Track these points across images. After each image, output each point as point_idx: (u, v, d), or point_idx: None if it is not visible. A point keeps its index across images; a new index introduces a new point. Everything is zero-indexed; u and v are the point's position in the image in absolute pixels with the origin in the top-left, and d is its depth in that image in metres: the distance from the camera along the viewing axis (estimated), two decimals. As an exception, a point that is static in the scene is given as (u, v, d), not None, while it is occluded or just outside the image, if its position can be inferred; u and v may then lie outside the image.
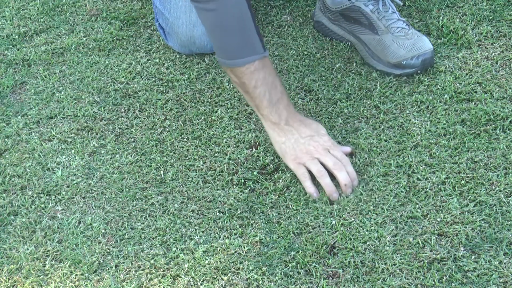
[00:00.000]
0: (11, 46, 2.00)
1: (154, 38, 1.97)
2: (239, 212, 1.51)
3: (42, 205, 1.56)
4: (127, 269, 1.43)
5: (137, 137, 1.70)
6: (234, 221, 1.50)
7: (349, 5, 1.82)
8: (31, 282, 1.42)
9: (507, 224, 1.41)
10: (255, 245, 1.45)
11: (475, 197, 1.47)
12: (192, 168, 1.61)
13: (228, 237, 1.46)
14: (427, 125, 1.62)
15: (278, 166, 1.59)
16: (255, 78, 1.51)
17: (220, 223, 1.50)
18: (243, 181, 1.57)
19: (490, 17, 1.86)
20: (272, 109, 1.53)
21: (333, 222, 1.46)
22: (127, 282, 1.41)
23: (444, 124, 1.62)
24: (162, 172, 1.61)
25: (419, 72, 1.73)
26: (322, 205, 1.50)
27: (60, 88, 1.86)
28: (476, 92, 1.68)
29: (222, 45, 1.53)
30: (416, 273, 1.36)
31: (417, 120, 1.64)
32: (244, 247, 1.44)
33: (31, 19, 2.09)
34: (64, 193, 1.59)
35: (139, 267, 1.43)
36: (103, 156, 1.66)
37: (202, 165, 1.62)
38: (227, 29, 1.49)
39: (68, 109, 1.79)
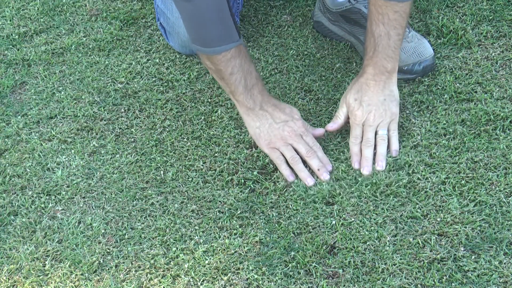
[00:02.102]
0: (11, 46, 2.00)
1: (154, 38, 1.97)
2: (239, 212, 1.51)
3: (42, 205, 1.56)
4: (127, 269, 1.43)
5: (137, 137, 1.70)
6: (234, 221, 1.50)
7: (350, 7, 1.82)
8: (31, 282, 1.42)
9: (507, 224, 1.41)
10: (255, 245, 1.45)
11: (475, 197, 1.47)
12: (192, 168, 1.61)
13: (228, 237, 1.46)
14: (427, 125, 1.62)
15: (278, 166, 1.59)
16: (231, 65, 1.53)
17: (220, 223, 1.50)
18: (243, 181, 1.57)
19: (490, 17, 1.86)
20: (247, 95, 1.56)
21: (333, 222, 1.46)
22: (127, 282, 1.41)
23: (444, 124, 1.62)
24: (162, 172, 1.61)
25: (420, 77, 1.73)
26: (322, 205, 1.50)
27: (60, 88, 1.86)
28: (476, 92, 1.68)
29: (199, 34, 1.54)
30: (416, 273, 1.36)
31: (417, 120, 1.64)
32: (244, 247, 1.44)
33: (31, 19, 2.09)
34: (64, 193, 1.59)
35: (139, 267, 1.43)
36: (103, 156, 1.66)
37: (202, 165, 1.62)
38: (205, 19, 1.51)
39: (68, 109, 1.79)
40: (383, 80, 1.58)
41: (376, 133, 1.57)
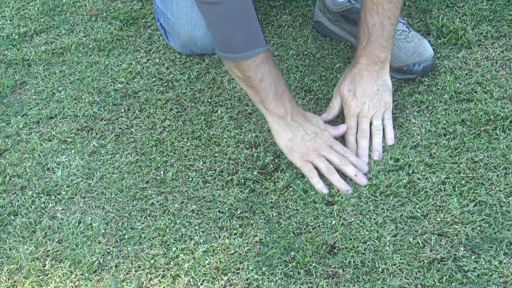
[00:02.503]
0: (11, 46, 2.00)
1: (154, 38, 1.97)
2: (239, 212, 1.51)
3: (42, 205, 1.56)
4: (127, 269, 1.43)
5: (137, 137, 1.70)
6: (234, 221, 1.50)
7: (350, 7, 1.82)
8: (31, 282, 1.42)
9: (507, 224, 1.41)
10: (255, 245, 1.45)
11: (475, 197, 1.47)
12: (192, 168, 1.61)
13: (228, 237, 1.46)
14: (427, 125, 1.62)
15: (278, 166, 1.59)
16: (261, 71, 1.48)
17: (220, 223, 1.50)
18: (243, 181, 1.57)
19: (490, 17, 1.86)
20: (278, 102, 1.52)
21: (333, 222, 1.46)
22: (127, 282, 1.41)
23: (444, 124, 1.62)
24: (162, 172, 1.61)
25: (419, 77, 1.73)
26: (322, 205, 1.50)
27: (60, 88, 1.86)
28: (476, 92, 1.68)
29: (227, 39, 1.48)
30: (416, 273, 1.36)
31: (417, 120, 1.64)
32: (244, 247, 1.44)
33: (31, 19, 2.09)
34: (64, 193, 1.59)
35: (139, 267, 1.43)
36: (103, 156, 1.66)
37: (202, 165, 1.62)
38: (233, 22, 1.46)
39: (68, 109, 1.79)
40: (376, 70, 1.58)
41: (371, 124, 1.58)
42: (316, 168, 1.53)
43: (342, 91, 1.60)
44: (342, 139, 1.62)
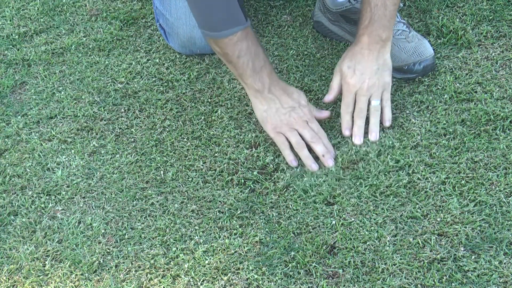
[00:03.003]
0: (11, 46, 2.00)
1: (154, 38, 1.97)
2: (239, 212, 1.51)
3: (42, 205, 1.56)
4: (127, 269, 1.43)
5: (137, 137, 1.70)
6: (234, 221, 1.50)
7: (350, 7, 1.82)
8: (31, 282, 1.42)
9: (507, 224, 1.41)
10: (255, 245, 1.45)
11: (475, 197, 1.47)
12: (192, 168, 1.61)
13: (228, 237, 1.46)
14: (427, 125, 1.62)
15: (278, 166, 1.59)
16: (238, 48, 1.54)
17: (220, 223, 1.50)
18: (243, 181, 1.57)
19: (490, 17, 1.86)
20: (255, 77, 1.57)
21: (333, 222, 1.46)
22: (127, 282, 1.41)
23: (444, 124, 1.62)
24: (162, 172, 1.61)
25: (419, 77, 1.73)
26: (322, 205, 1.50)
27: (60, 88, 1.86)
28: (476, 92, 1.68)
29: (205, 17, 1.55)
30: (416, 273, 1.36)
31: (417, 120, 1.64)
32: (244, 247, 1.44)
33: (31, 19, 2.09)
34: (64, 193, 1.59)
35: (139, 267, 1.43)
36: (103, 156, 1.66)
37: (202, 165, 1.62)
38: (210, 1, 1.52)
39: (68, 109, 1.79)
40: (378, 49, 1.59)
41: (369, 103, 1.59)
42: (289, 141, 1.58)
43: (342, 67, 1.61)
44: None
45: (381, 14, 1.57)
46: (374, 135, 1.58)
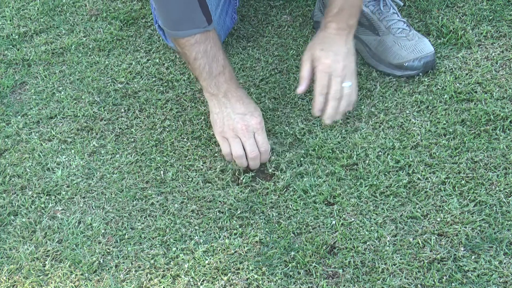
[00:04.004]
0: (11, 46, 2.00)
1: (154, 38, 1.97)
2: (239, 212, 1.51)
3: (42, 205, 1.56)
4: (127, 269, 1.43)
5: (137, 137, 1.70)
6: (234, 221, 1.50)
7: (349, 6, 1.82)
8: (31, 282, 1.42)
9: (507, 224, 1.41)
10: (255, 245, 1.45)
11: (475, 197, 1.47)
12: (192, 168, 1.61)
13: (228, 237, 1.46)
14: (427, 125, 1.62)
15: (278, 166, 1.59)
16: (195, 50, 1.56)
17: (220, 223, 1.50)
18: (243, 181, 1.57)
19: (490, 17, 1.86)
20: (211, 82, 1.58)
21: (333, 222, 1.46)
22: (127, 282, 1.41)
23: (444, 124, 1.62)
24: (162, 172, 1.61)
25: (420, 74, 1.73)
26: (322, 205, 1.50)
27: (60, 88, 1.86)
28: (476, 92, 1.68)
29: (164, 16, 1.59)
30: (416, 273, 1.36)
31: (417, 120, 1.64)
32: (244, 247, 1.44)
33: (31, 19, 2.09)
34: (64, 193, 1.59)
35: (139, 267, 1.43)
36: (103, 156, 1.66)
37: (202, 165, 1.62)
38: (169, 2, 1.54)
39: (68, 109, 1.79)
40: (345, 34, 1.62)
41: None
42: None
43: (314, 52, 1.61)
44: (344, 146, 1.62)
45: (351, 3, 1.61)
46: (339, 117, 1.61)
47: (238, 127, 1.57)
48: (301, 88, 1.62)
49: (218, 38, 1.59)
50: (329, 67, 1.58)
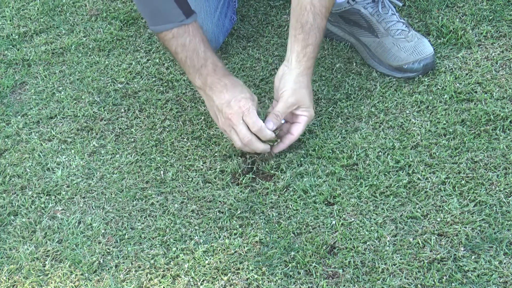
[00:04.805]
0: (11, 46, 2.00)
1: (154, 38, 1.97)
2: (239, 212, 1.51)
3: (42, 205, 1.56)
4: (127, 269, 1.43)
5: (137, 137, 1.70)
6: (234, 221, 1.50)
7: (348, 8, 1.82)
8: (31, 282, 1.42)
9: (507, 224, 1.41)
10: (255, 245, 1.45)
11: (475, 197, 1.47)
12: (192, 168, 1.61)
13: (228, 237, 1.46)
14: (427, 125, 1.62)
15: (278, 166, 1.59)
16: (174, 44, 1.57)
17: (220, 223, 1.50)
18: (243, 181, 1.57)
19: (490, 17, 1.87)
20: (194, 75, 1.59)
21: (333, 222, 1.46)
22: (127, 282, 1.41)
23: (444, 124, 1.62)
24: (162, 172, 1.61)
25: (419, 75, 1.73)
26: (322, 205, 1.50)
27: (60, 88, 1.86)
28: (476, 92, 1.68)
29: (142, 10, 1.64)
30: (416, 273, 1.36)
31: (417, 120, 1.64)
32: (244, 247, 1.44)
33: (31, 19, 2.09)
34: (64, 193, 1.59)
35: (139, 267, 1.43)
36: (103, 156, 1.66)
37: (202, 165, 1.62)
38: None
39: (68, 109, 1.79)
40: (310, 73, 1.61)
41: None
42: None
43: (302, 100, 1.58)
44: (343, 147, 1.62)
45: (319, 42, 1.59)
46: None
47: (228, 117, 1.56)
48: (273, 127, 1.56)
49: (199, 31, 1.58)
50: (312, 117, 1.59)
